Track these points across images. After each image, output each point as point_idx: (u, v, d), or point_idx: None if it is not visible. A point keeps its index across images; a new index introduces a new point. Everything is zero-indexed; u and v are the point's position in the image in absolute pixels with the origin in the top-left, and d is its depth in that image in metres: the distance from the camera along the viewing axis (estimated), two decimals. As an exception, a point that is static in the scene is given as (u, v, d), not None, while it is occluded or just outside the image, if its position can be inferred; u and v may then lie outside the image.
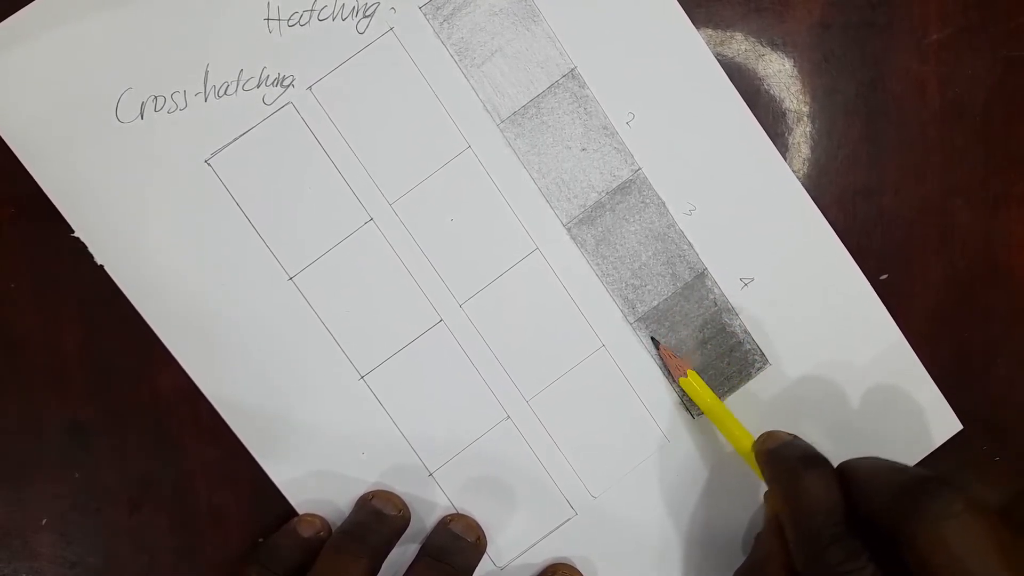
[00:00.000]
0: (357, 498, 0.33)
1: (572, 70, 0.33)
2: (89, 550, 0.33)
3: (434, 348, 0.33)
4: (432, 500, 0.33)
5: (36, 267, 0.32)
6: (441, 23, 0.32)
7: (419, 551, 0.32)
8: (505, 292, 0.33)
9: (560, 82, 0.33)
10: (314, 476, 0.32)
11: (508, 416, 0.33)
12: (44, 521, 0.33)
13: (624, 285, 0.33)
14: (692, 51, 0.33)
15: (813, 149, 0.34)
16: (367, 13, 0.32)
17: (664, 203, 0.33)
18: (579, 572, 0.33)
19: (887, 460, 0.27)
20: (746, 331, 0.33)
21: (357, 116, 0.32)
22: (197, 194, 0.32)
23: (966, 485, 0.25)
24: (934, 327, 0.34)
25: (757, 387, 0.34)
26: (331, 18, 0.31)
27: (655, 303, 0.33)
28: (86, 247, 0.31)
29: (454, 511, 0.33)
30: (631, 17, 0.33)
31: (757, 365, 0.34)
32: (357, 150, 0.32)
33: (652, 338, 0.33)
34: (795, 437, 0.30)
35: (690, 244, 0.33)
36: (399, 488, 0.33)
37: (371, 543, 0.31)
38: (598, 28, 0.33)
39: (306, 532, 0.32)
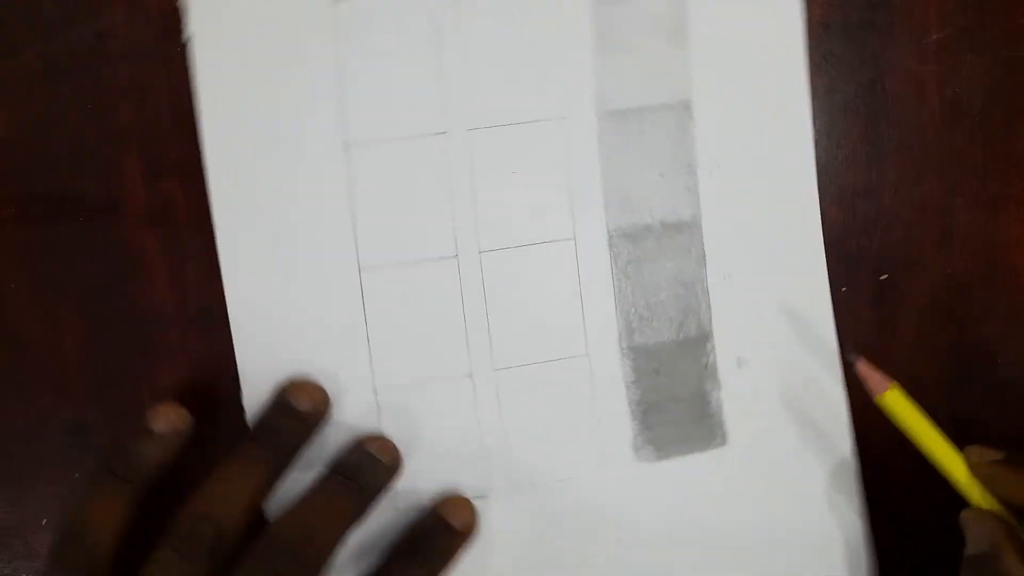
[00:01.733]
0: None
1: (688, 101, 0.33)
2: (89, 550, 0.33)
3: (437, 277, 0.32)
4: (364, 423, 0.32)
5: (36, 267, 0.32)
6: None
7: (328, 467, 0.31)
8: (527, 261, 0.33)
9: (674, 105, 0.33)
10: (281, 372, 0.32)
11: (471, 375, 0.33)
12: (44, 521, 0.32)
13: (633, 311, 0.33)
14: (799, 130, 0.33)
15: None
16: None
17: (705, 258, 0.33)
18: (471, 503, 0.32)
19: None
20: (720, 406, 0.33)
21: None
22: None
23: None
24: (934, 327, 0.34)
25: (704, 460, 0.33)
26: None
27: (653, 341, 0.33)
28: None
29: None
30: (760, 80, 0.33)
31: (715, 442, 0.34)
32: None
33: (850, 354, 0.32)
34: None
35: (710, 306, 0.33)
36: (338, 389, 0.32)
37: (274, 445, 0.29)
38: (730, 74, 0.33)
39: (160, 426, 0.29)
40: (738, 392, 0.34)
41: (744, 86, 0.33)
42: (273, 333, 0.32)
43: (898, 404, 0.31)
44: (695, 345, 0.33)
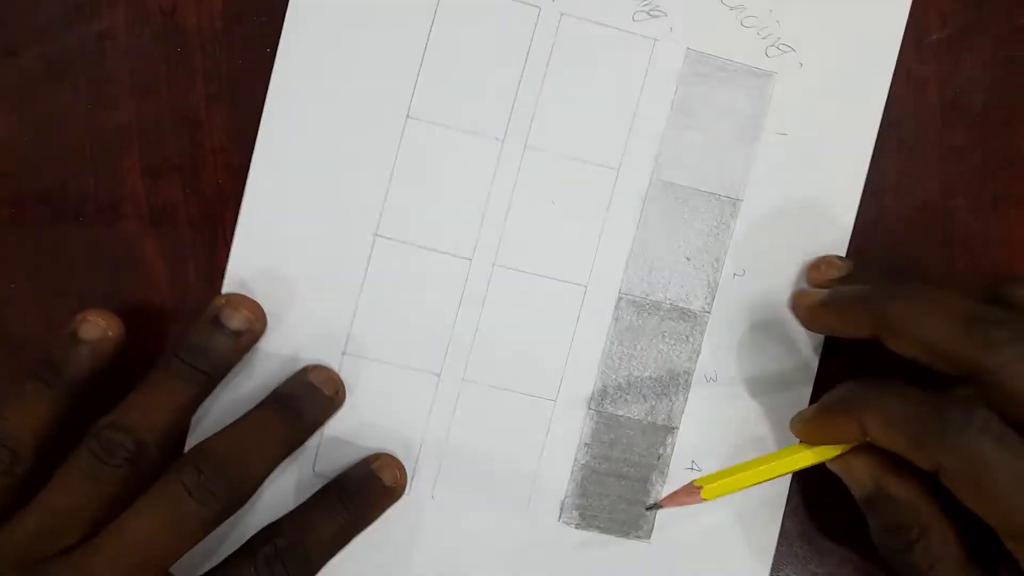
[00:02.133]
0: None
1: (739, 199, 0.33)
2: (89, 550, 0.33)
3: (445, 272, 0.32)
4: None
5: (36, 267, 0.32)
6: (690, 71, 0.32)
7: (269, 395, 0.30)
8: (534, 290, 0.33)
9: (723, 198, 0.33)
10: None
11: (439, 375, 0.33)
12: (44, 521, 0.32)
13: (613, 377, 0.33)
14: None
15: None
16: (652, 13, 0.32)
17: (699, 356, 0.33)
18: (402, 465, 0.32)
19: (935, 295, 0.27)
20: (657, 503, 0.32)
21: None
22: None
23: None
24: (934, 327, 0.34)
25: (620, 546, 0.33)
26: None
27: (621, 413, 0.33)
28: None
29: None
30: (814, 191, 0.33)
31: (639, 534, 0.33)
32: None
33: (652, 505, 0.32)
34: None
35: (686, 402, 0.33)
36: (302, 343, 0.32)
37: (202, 362, 0.29)
38: (787, 180, 0.33)
39: (86, 333, 0.29)
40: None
41: (796, 194, 0.33)
42: (271, 258, 0.32)
43: (718, 486, 0.30)
44: (657, 433, 0.33)
